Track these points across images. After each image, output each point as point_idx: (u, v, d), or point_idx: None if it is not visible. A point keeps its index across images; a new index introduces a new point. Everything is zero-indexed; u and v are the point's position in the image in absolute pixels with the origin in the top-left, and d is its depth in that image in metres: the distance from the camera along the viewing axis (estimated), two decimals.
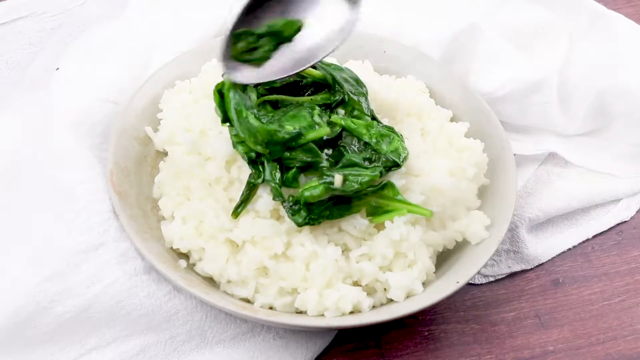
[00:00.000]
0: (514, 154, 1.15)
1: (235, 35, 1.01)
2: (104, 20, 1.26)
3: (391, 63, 1.25)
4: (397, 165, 1.04)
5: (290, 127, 1.02)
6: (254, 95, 1.05)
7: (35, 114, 1.13)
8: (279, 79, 1.04)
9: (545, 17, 1.31)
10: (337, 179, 1.00)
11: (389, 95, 1.14)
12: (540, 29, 1.31)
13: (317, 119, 1.04)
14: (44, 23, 1.35)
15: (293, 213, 1.01)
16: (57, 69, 1.17)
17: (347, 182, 1.01)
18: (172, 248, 1.05)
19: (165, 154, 1.12)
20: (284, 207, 1.01)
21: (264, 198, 1.03)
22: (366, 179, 1.01)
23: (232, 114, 1.03)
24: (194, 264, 1.05)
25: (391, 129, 1.07)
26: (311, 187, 1.00)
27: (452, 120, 1.19)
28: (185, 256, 1.06)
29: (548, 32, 1.30)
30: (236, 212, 1.03)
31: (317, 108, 1.06)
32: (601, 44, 1.29)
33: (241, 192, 1.03)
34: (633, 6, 1.47)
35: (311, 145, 1.02)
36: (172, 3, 1.29)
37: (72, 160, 1.07)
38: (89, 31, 1.24)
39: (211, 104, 1.13)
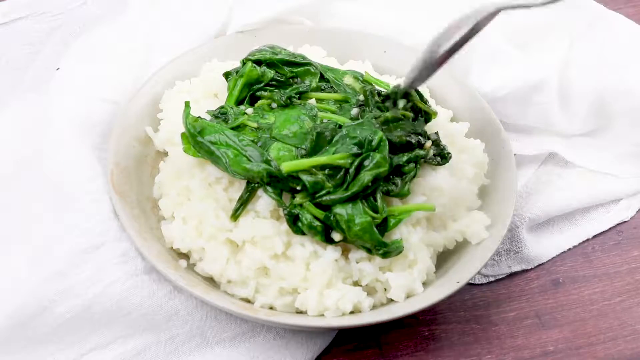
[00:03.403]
0: (514, 154, 1.15)
1: None
2: (104, 21, 1.26)
3: (391, 63, 1.25)
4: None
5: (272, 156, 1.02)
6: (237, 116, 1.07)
7: (35, 114, 1.13)
8: None
9: (545, 17, 1.31)
10: (336, 236, 1.01)
11: None
12: (540, 29, 1.31)
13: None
14: (45, 23, 1.35)
15: (293, 224, 1.01)
16: (58, 69, 1.17)
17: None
18: (172, 248, 1.05)
19: (166, 154, 1.12)
20: (284, 214, 1.01)
21: (264, 198, 1.02)
22: (362, 219, 1.00)
23: (211, 156, 1.04)
24: (194, 264, 1.05)
25: None
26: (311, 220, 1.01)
27: (452, 120, 1.19)
28: (186, 256, 1.06)
29: (548, 32, 1.31)
30: (235, 215, 1.02)
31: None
32: (601, 44, 1.29)
33: (240, 194, 1.03)
34: (633, 6, 1.47)
35: None
36: (172, 3, 1.29)
37: (72, 160, 1.07)
38: (89, 31, 1.24)
39: (212, 103, 1.13)
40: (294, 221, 1.00)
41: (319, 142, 1.03)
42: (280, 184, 1.01)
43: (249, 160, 1.02)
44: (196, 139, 1.03)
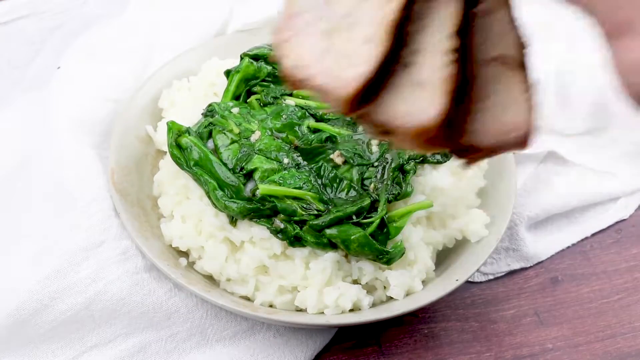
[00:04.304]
0: (513, 153, 1.15)
1: None
2: (105, 20, 1.27)
3: None
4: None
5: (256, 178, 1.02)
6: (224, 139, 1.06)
7: (36, 113, 1.13)
8: None
9: (545, 17, 1.32)
10: (341, 252, 1.01)
11: None
12: (539, 29, 1.31)
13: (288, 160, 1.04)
14: (45, 22, 1.35)
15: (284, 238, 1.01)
16: (59, 67, 1.17)
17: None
18: (172, 246, 1.05)
19: (166, 152, 1.12)
20: (286, 242, 1.01)
21: None
22: (356, 235, 0.99)
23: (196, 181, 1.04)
24: (193, 262, 1.05)
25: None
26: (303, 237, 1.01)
27: None
28: (186, 254, 1.06)
29: (547, 32, 1.31)
30: (234, 220, 1.03)
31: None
32: (600, 43, 1.29)
33: None
34: None
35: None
36: (173, 3, 1.29)
37: (73, 158, 1.07)
38: (90, 30, 1.24)
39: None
40: (297, 240, 1.01)
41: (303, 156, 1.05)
42: (263, 213, 1.00)
43: (228, 196, 1.01)
44: (182, 166, 1.04)
